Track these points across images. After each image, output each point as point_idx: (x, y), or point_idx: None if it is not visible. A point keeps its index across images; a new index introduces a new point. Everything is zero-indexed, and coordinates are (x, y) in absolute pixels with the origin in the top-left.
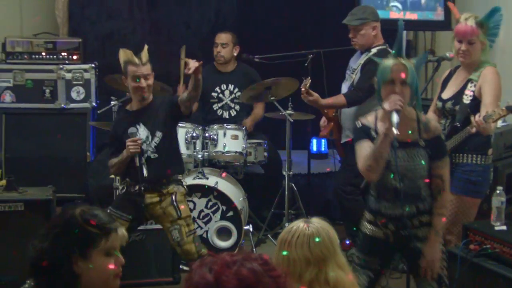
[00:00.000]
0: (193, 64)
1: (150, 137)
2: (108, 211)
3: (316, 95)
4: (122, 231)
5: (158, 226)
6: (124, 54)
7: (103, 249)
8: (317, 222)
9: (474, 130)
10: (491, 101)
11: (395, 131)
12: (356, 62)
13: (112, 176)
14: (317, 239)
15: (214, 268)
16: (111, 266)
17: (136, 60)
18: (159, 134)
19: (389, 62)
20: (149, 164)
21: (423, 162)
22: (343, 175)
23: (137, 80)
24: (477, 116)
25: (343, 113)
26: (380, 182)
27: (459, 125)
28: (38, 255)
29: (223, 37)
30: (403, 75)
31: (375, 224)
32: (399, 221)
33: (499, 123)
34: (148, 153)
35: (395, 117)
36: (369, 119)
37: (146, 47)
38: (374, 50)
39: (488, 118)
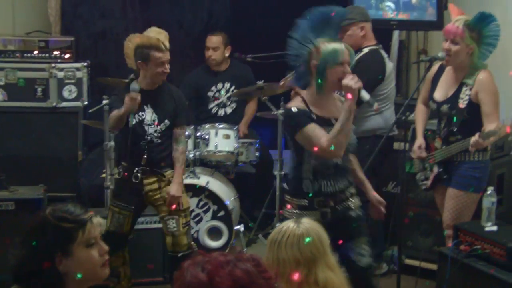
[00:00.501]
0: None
1: (156, 122)
2: (110, 203)
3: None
4: (97, 220)
5: (148, 226)
6: (147, 40)
7: (82, 241)
8: (307, 223)
9: (473, 149)
10: (491, 111)
11: (375, 105)
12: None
13: (103, 175)
14: (307, 239)
15: (207, 267)
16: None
17: (163, 46)
18: (167, 122)
19: (340, 45)
20: (151, 147)
21: (352, 136)
22: None
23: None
24: (476, 135)
25: None
26: (322, 161)
27: (455, 129)
28: (19, 263)
29: (214, 41)
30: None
31: (311, 207)
32: (336, 196)
33: None
34: (152, 137)
35: (365, 93)
36: (299, 104)
37: (166, 33)
38: (365, 50)
39: (491, 135)
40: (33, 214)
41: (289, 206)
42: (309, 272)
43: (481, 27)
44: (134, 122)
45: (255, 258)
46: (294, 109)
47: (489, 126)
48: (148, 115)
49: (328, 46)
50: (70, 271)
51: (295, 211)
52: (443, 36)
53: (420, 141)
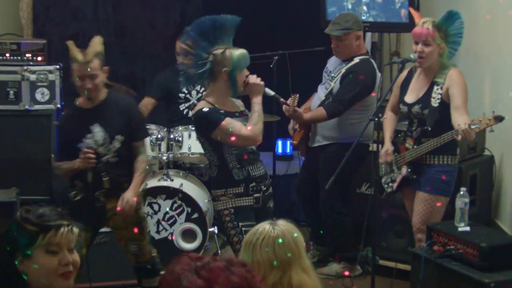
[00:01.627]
0: None
1: (108, 140)
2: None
3: (299, 111)
4: (67, 229)
5: None
6: (70, 48)
7: (41, 246)
8: (282, 225)
9: (460, 137)
10: (461, 104)
11: (282, 99)
12: (336, 69)
13: None
14: (279, 240)
15: (203, 274)
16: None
17: (80, 57)
18: (119, 137)
19: (243, 50)
20: (108, 168)
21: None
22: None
23: (79, 80)
24: (462, 124)
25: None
26: (241, 149)
27: (429, 128)
28: None
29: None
30: None
31: (246, 193)
32: (263, 181)
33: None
34: (108, 157)
35: (269, 90)
36: (207, 105)
37: (96, 39)
38: (356, 60)
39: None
40: (6, 217)
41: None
42: (283, 274)
43: (447, 26)
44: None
45: (245, 263)
46: (205, 109)
47: (459, 118)
48: (98, 135)
49: (235, 52)
50: (29, 272)
51: (232, 201)
52: (413, 39)
53: (387, 146)
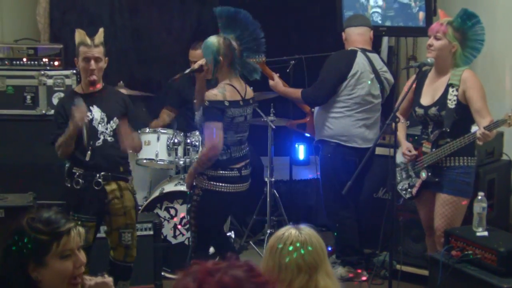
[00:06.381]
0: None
1: (105, 120)
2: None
3: (277, 79)
4: (76, 231)
5: (139, 232)
6: (78, 35)
7: (56, 253)
8: (307, 229)
9: (481, 143)
10: (482, 106)
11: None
12: None
13: None
14: (308, 245)
15: (197, 276)
16: (70, 267)
17: (88, 41)
18: (116, 120)
19: None
20: (106, 147)
21: None
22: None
23: (87, 62)
24: (482, 129)
25: (315, 112)
26: None
27: (448, 130)
28: None
29: (196, 55)
30: None
31: None
32: None
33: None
34: (105, 136)
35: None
36: None
37: (101, 29)
38: None
39: (500, 124)
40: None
41: None
42: (310, 278)
43: (466, 29)
44: (85, 133)
45: (249, 264)
46: None
47: (482, 121)
48: (96, 114)
49: None
50: (44, 279)
51: None
52: (428, 35)
53: (407, 144)
